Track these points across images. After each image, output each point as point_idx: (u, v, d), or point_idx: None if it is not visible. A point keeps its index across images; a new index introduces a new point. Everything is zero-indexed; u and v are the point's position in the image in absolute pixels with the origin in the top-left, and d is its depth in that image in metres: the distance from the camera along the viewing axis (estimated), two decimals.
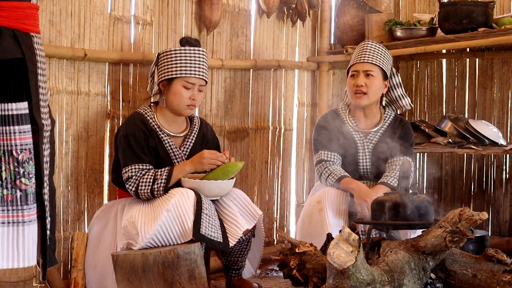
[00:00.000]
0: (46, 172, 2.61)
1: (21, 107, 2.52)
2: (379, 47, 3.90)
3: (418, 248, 2.89)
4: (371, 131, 3.91)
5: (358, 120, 3.94)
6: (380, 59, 3.86)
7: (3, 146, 2.52)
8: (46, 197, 2.60)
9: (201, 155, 3.35)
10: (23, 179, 2.53)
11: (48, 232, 2.61)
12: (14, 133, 2.51)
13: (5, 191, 2.53)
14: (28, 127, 2.53)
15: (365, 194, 3.55)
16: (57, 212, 3.50)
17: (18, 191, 2.53)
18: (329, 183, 3.72)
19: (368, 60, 3.84)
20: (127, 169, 3.34)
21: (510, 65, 4.69)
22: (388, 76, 3.92)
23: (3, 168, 2.52)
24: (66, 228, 3.59)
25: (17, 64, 2.52)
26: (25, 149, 2.53)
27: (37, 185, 2.59)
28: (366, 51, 3.88)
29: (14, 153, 2.52)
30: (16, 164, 2.52)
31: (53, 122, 2.72)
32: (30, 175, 2.55)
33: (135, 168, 3.34)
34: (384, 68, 3.87)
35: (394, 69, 3.99)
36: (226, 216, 3.36)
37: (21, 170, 2.53)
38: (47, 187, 2.61)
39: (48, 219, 2.62)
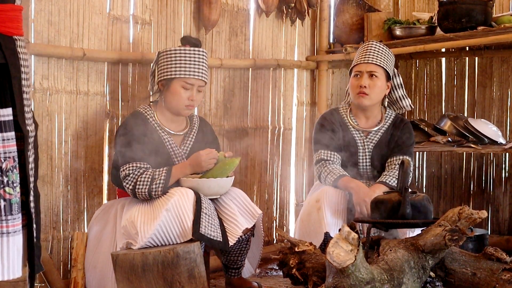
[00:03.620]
0: (32, 179, 2.48)
1: (5, 114, 2.38)
2: (383, 48, 3.89)
3: (418, 246, 2.88)
4: (372, 130, 3.90)
5: (359, 120, 3.93)
6: (384, 60, 3.85)
7: None
8: (32, 204, 2.47)
9: (198, 157, 3.35)
10: (7, 188, 2.38)
11: (35, 240, 2.48)
12: None
13: None
14: (12, 134, 2.39)
15: (364, 193, 3.55)
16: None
17: (2, 200, 2.37)
18: (328, 182, 3.71)
19: (372, 60, 3.82)
20: (125, 167, 3.34)
21: (509, 63, 4.69)
22: (391, 77, 3.92)
23: None
24: (65, 228, 3.59)
25: None
26: (9, 157, 2.38)
27: (23, 193, 2.45)
28: (370, 51, 3.86)
29: None
30: None
31: (36, 126, 2.59)
32: (15, 184, 2.40)
33: (133, 166, 3.33)
34: (387, 69, 3.86)
35: (396, 70, 3.99)
36: (226, 215, 3.36)
37: (5, 179, 2.38)
38: (33, 195, 2.49)
39: (34, 227, 2.50)
